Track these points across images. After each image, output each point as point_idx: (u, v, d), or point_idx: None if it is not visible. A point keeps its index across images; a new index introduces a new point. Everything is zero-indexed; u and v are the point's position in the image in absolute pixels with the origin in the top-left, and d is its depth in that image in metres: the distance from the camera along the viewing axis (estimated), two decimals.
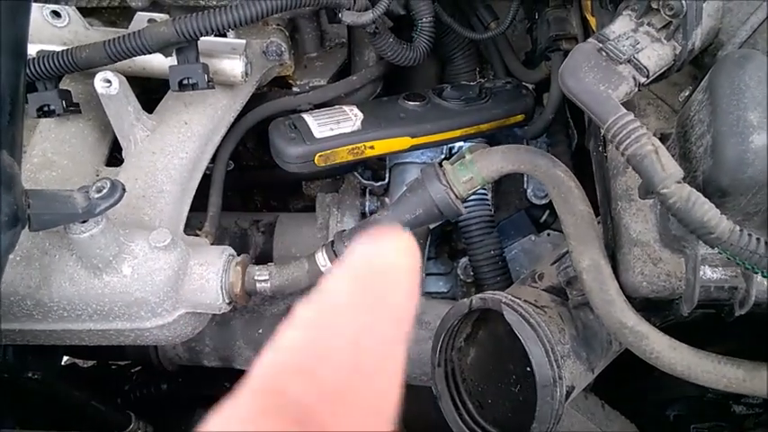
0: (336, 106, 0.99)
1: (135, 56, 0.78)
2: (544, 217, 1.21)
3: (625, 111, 0.57)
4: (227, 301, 0.79)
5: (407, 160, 1.16)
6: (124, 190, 0.67)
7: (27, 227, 0.64)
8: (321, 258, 0.80)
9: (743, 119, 0.53)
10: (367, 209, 1.19)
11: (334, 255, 0.79)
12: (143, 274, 0.74)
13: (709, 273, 0.65)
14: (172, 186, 0.84)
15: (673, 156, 0.60)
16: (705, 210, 0.53)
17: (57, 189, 0.68)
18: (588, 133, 0.93)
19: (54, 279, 0.74)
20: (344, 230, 0.82)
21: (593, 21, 0.89)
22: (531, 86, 1.10)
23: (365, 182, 1.18)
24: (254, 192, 1.43)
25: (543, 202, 1.18)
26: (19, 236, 0.62)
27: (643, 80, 0.60)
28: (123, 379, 1.36)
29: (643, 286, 0.69)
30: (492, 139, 1.12)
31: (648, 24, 0.61)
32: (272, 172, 1.27)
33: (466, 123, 1.00)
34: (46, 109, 0.83)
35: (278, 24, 1.02)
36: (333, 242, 0.80)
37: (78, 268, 0.74)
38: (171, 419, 1.39)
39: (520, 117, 1.05)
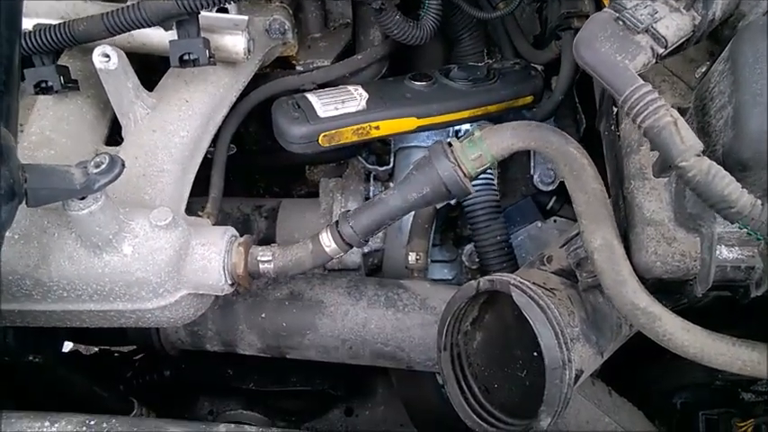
0: (341, 86, 0.97)
1: (134, 29, 0.76)
2: (551, 203, 1.19)
3: (643, 82, 0.55)
4: (229, 282, 0.77)
5: (412, 144, 1.14)
6: (123, 165, 0.65)
7: (24, 202, 0.62)
8: (325, 239, 0.78)
9: (767, 89, 0.51)
10: (371, 194, 1.17)
11: (338, 235, 0.77)
12: (144, 253, 0.72)
13: (725, 252, 0.64)
14: (172, 165, 0.82)
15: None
16: (726, 183, 0.51)
17: (54, 164, 0.66)
18: (599, 113, 0.91)
19: (53, 258, 0.72)
20: (349, 211, 0.80)
21: None
22: (539, 68, 1.08)
23: (369, 166, 1.16)
24: (256, 177, 1.41)
25: (550, 188, 1.17)
26: (16, 211, 0.60)
27: (661, 51, 0.58)
28: (126, 365, 1.35)
29: (657, 266, 0.67)
30: (499, 121, 1.09)
31: None
32: (276, 156, 1.25)
33: (473, 104, 0.98)
34: (43, 85, 0.81)
35: (281, 2, 0.99)
36: (337, 222, 0.79)
37: (78, 247, 0.72)
38: (173, 406, 1.38)
39: (528, 98, 1.03)
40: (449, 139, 1.11)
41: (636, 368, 1.11)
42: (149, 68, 0.94)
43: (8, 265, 0.72)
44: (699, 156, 0.52)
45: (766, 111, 0.50)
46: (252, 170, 1.38)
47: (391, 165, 1.16)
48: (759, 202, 0.51)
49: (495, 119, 1.08)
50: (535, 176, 1.17)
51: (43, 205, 0.64)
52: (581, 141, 1.09)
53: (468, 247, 1.19)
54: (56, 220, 0.73)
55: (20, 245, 0.73)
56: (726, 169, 0.53)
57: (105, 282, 0.73)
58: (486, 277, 0.78)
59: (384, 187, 1.18)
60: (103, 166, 0.63)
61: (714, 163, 0.52)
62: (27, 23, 0.79)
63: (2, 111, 0.58)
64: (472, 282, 0.78)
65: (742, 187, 0.52)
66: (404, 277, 1.09)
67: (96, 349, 1.42)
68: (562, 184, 1.13)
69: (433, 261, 1.23)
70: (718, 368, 0.67)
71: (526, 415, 0.78)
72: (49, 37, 0.76)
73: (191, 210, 0.87)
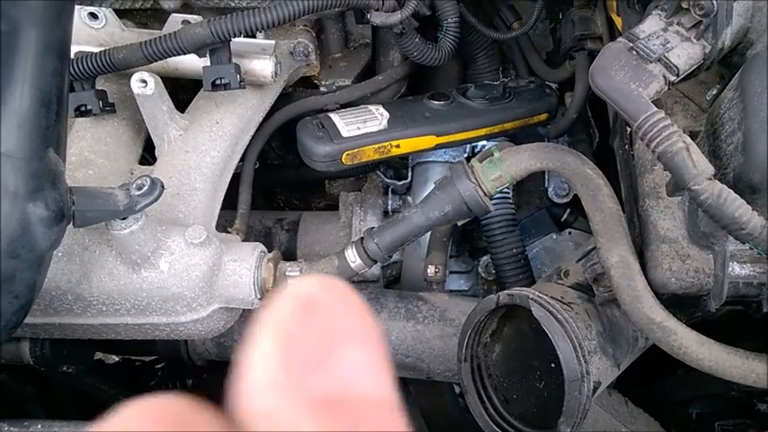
0: (362, 106, 1.01)
1: (171, 56, 0.80)
2: (565, 216, 1.22)
3: (656, 109, 0.58)
4: (259, 296, 0.81)
5: (430, 159, 1.17)
6: (163, 187, 0.68)
7: (71, 223, 0.66)
8: (351, 255, 0.81)
9: None
10: (389, 207, 1.20)
11: (363, 251, 0.81)
12: (179, 269, 0.76)
13: (737, 269, 0.66)
14: (204, 184, 0.86)
15: (702, 153, 0.61)
16: (737, 206, 0.54)
17: (98, 186, 0.70)
18: (613, 132, 0.94)
19: (94, 274, 0.76)
20: (373, 228, 0.83)
21: (618, 21, 0.89)
22: (554, 86, 1.11)
23: (388, 180, 1.20)
24: (277, 190, 1.45)
25: (564, 200, 1.19)
26: (64, 232, 0.64)
27: (673, 78, 0.61)
28: (149, 374, 1.39)
29: (671, 282, 0.70)
30: (515, 137, 1.13)
31: (678, 24, 0.62)
32: (297, 171, 1.30)
33: (490, 122, 1.01)
34: (83, 109, 0.85)
35: (305, 25, 1.03)
36: (362, 239, 0.82)
37: (118, 264, 0.76)
38: None
39: (543, 116, 1.06)
40: (464, 155, 1.15)
41: (652, 379, 1.13)
42: (178, 89, 0.99)
43: (52, 281, 0.76)
44: (710, 179, 0.55)
45: None
46: (273, 184, 1.42)
47: (409, 179, 1.19)
48: None
49: (511, 136, 1.11)
50: (549, 189, 1.20)
51: (89, 225, 0.68)
52: (594, 155, 1.14)
53: (485, 259, 1.22)
54: (96, 238, 0.77)
55: (63, 262, 0.77)
56: (737, 192, 0.55)
57: (143, 297, 0.77)
58: (506, 291, 0.80)
59: (402, 201, 1.21)
60: (145, 188, 0.67)
61: (725, 186, 0.54)
62: None
63: (53, 138, 0.63)
64: (492, 296, 0.81)
65: (752, 209, 0.54)
66: (422, 289, 1.12)
67: (117, 358, 1.46)
68: (576, 196, 1.16)
69: (449, 272, 1.25)
70: (732, 381, 0.70)
71: (544, 425, 0.80)
72: (90, 64, 0.81)
73: (216, 223, 0.91)
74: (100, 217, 0.67)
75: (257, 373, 0.17)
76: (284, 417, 0.17)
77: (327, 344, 0.17)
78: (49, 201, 0.60)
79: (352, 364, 0.18)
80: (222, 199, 0.89)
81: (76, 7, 0.87)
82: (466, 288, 1.28)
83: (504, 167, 0.75)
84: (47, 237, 0.60)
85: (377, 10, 0.86)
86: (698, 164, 0.55)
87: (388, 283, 1.24)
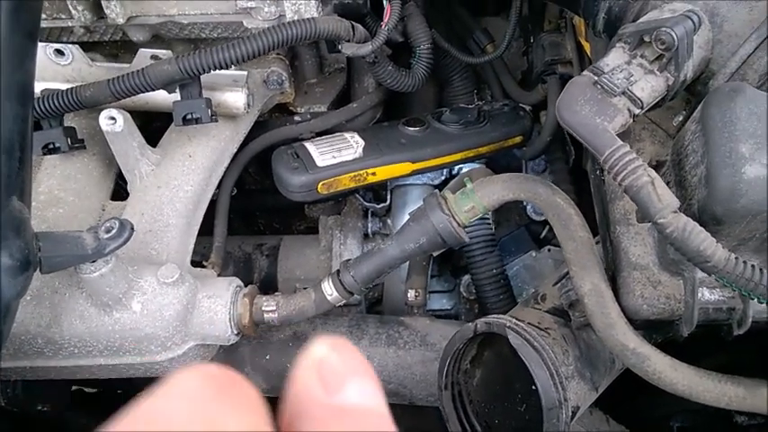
0: (337, 133, 1.01)
1: (139, 93, 0.79)
2: (544, 233, 1.22)
3: (621, 143, 0.58)
4: (235, 332, 0.80)
5: (408, 182, 1.18)
6: (132, 229, 0.68)
7: (38, 269, 0.65)
8: (327, 288, 0.81)
9: (735, 150, 0.54)
10: (369, 230, 1.20)
11: (340, 284, 0.80)
12: (152, 309, 0.75)
13: (707, 294, 0.67)
14: (178, 220, 0.85)
15: (668, 183, 0.62)
16: (701, 239, 0.54)
17: (66, 231, 0.69)
18: (585, 155, 0.95)
19: (65, 317, 0.75)
20: (350, 260, 0.83)
21: (587, 45, 0.90)
22: (528, 108, 1.12)
23: (367, 204, 1.19)
24: (257, 215, 1.44)
25: (543, 218, 1.20)
26: (31, 279, 0.63)
27: (637, 111, 0.61)
28: (131, 404, 1.37)
29: (643, 309, 0.71)
30: (491, 160, 1.13)
31: (641, 56, 0.62)
32: (274, 196, 1.29)
33: (465, 147, 1.02)
34: (51, 146, 0.84)
35: (278, 53, 1.03)
36: (338, 271, 0.82)
37: (88, 306, 0.75)
38: None
39: (518, 139, 1.07)
40: (441, 178, 1.15)
41: (633, 395, 1.14)
42: (149, 118, 0.98)
43: (21, 326, 0.74)
44: (675, 212, 0.56)
45: (735, 171, 0.54)
46: (252, 209, 1.41)
47: (388, 201, 1.19)
48: (733, 256, 0.54)
49: (488, 159, 1.12)
50: (528, 207, 1.20)
51: (56, 271, 0.67)
52: (572, 172, 1.15)
53: (466, 278, 1.22)
54: (66, 280, 0.76)
55: (32, 306, 0.75)
56: (701, 223, 0.56)
57: (115, 338, 0.75)
58: (483, 319, 0.80)
59: (381, 223, 1.21)
60: (113, 231, 0.66)
61: (690, 220, 0.55)
62: (35, 88, 0.83)
63: (16, 185, 0.62)
64: (469, 324, 0.81)
65: (717, 241, 0.55)
66: (403, 312, 1.12)
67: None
68: None
69: (431, 291, 1.25)
70: (706, 404, 0.70)
71: None
72: (57, 102, 0.80)
73: (195, 250, 0.89)
74: (68, 262, 0.66)
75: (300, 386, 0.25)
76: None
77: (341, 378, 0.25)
78: (14, 250, 0.59)
79: (358, 389, 0.26)
80: (196, 233, 0.88)
81: (42, 44, 0.86)
82: (448, 307, 1.28)
83: (476, 198, 0.76)
84: (12, 286, 0.59)
85: (348, 41, 0.86)
86: (663, 198, 0.56)
87: (370, 305, 1.24)
